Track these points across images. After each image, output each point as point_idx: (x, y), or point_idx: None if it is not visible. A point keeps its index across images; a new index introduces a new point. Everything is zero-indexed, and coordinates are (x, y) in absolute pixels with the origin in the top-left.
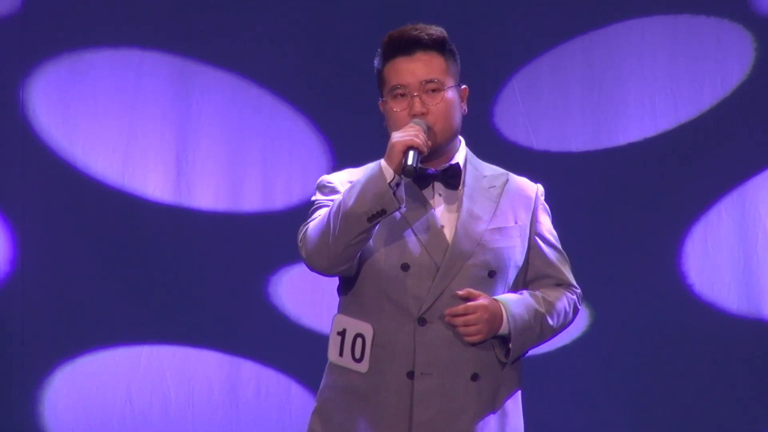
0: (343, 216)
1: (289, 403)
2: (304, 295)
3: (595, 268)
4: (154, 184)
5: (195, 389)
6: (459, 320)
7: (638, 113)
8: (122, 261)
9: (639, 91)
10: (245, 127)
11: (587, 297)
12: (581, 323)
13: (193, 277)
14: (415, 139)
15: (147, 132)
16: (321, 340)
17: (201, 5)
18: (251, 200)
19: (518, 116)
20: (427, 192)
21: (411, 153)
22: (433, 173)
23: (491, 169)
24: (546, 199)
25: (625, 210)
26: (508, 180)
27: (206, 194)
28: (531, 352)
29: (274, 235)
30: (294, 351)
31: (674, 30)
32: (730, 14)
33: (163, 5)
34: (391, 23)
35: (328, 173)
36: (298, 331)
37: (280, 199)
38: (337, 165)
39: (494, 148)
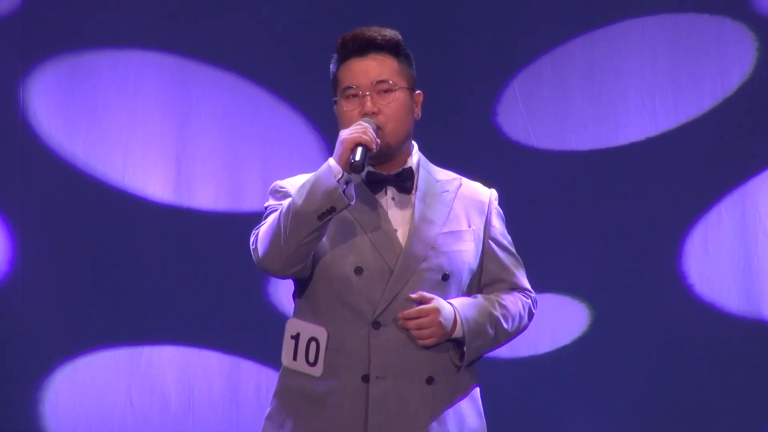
0: (293, 215)
1: None
2: None
3: (595, 268)
4: (154, 184)
5: (195, 389)
6: (412, 323)
7: (638, 113)
8: (122, 261)
9: (639, 90)
10: (245, 127)
11: (587, 296)
12: (582, 323)
13: (193, 277)
14: (363, 136)
15: (147, 132)
16: None
17: (201, 5)
18: (251, 200)
19: (519, 116)
20: (380, 196)
21: (359, 149)
22: (386, 177)
23: (444, 174)
24: (502, 202)
25: (625, 210)
26: (461, 184)
27: (206, 194)
28: (531, 352)
29: None
30: None
31: (675, 29)
32: (732, 14)
33: (163, 5)
34: (391, 23)
35: None
36: None
37: None
38: None
39: (496, 147)
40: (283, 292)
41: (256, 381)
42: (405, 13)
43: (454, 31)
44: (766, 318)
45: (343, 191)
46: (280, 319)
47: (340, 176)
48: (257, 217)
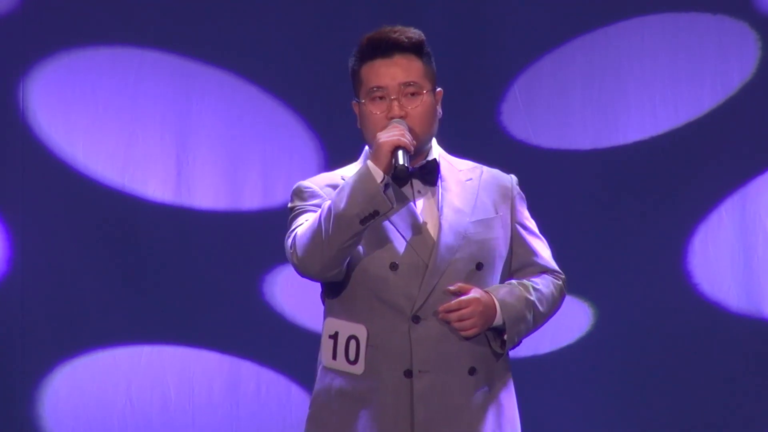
0: (336, 219)
1: (289, 403)
2: (303, 295)
3: (599, 268)
4: (154, 184)
5: (195, 389)
6: (453, 315)
7: (638, 113)
8: (122, 261)
9: (639, 90)
10: (245, 128)
11: (589, 296)
12: (585, 322)
13: (193, 277)
14: (402, 139)
15: (147, 132)
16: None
17: (201, 5)
18: (251, 200)
19: (519, 116)
20: (406, 190)
21: (400, 152)
22: (410, 171)
23: (465, 164)
24: (524, 194)
25: (627, 210)
26: (482, 172)
27: (206, 194)
28: (534, 351)
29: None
30: (294, 351)
31: (675, 29)
32: (732, 13)
33: (163, 5)
34: (392, 24)
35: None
36: (296, 330)
37: (280, 198)
38: (335, 165)
39: (501, 146)
40: (280, 292)
41: (256, 381)
42: (406, 14)
43: (456, 30)
44: (767, 317)
45: (384, 194)
46: (279, 319)
47: (381, 179)
48: (257, 217)
